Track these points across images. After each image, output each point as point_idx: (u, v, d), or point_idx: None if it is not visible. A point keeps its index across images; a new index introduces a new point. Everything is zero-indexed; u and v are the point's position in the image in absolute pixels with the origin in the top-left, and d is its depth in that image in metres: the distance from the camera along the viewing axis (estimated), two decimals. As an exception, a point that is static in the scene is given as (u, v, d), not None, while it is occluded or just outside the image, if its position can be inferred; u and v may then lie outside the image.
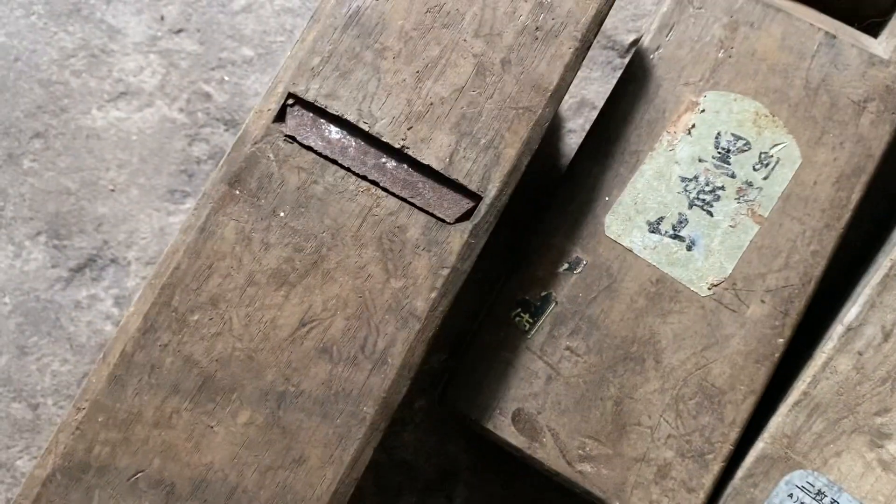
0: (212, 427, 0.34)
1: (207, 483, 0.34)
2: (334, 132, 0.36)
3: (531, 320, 0.41)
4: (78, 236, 0.50)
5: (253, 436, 0.34)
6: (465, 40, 0.36)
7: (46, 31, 0.51)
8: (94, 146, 0.50)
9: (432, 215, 0.36)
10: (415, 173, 0.36)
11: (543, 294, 0.41)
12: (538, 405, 0.40)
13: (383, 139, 0.36)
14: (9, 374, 0.49)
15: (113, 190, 0.50)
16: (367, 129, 0.36)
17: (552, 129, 0.50)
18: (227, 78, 0.51)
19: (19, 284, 0.49)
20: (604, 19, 0.37)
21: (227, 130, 0.50)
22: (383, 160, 0.36)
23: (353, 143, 0.36)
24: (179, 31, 0.51)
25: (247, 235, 0.35)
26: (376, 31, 0.36)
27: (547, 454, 0.40)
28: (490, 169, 0.36)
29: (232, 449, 0.34)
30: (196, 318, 0.34)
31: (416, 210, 0.36)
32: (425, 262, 0.36)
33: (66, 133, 0.50)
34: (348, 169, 0.36)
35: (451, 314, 0.38)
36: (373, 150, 0.36)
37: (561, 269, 0.41)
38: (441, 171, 0.36)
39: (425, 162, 0.36)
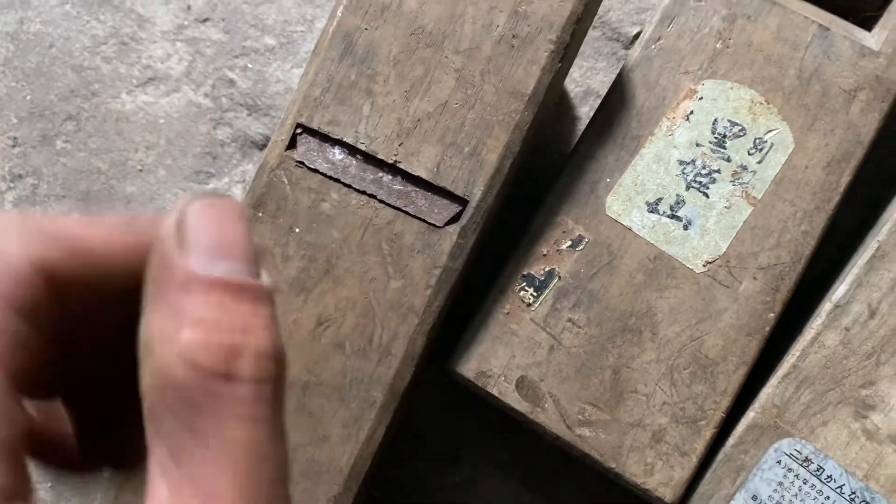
0: None
1: None
2: (337, 154, 0.40)
3: (535, 294, 0.43)
4: (108, 214, 0.52)
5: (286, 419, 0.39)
6: (446, 57, 0.39)
7: (80, 19, 0.54)
8: (124, 129, 0.53)
9: (424, 221, 0.39)
10: (407, 184, 0.40)
11: (547, 270, 0.43)
12: (541, 373, 0.42)
13: (378, 156, 0.39)
14: (42, 342, 0.51)
15: (141, 170, 0.53)
16: (364, 149, 0.39)
17: (561, 117, 0.52)
18: (250, 65, 0.53)
19: (52, 258, 0.52)
20: (582, 18, 0.39)
21: (249, 115, 0.53)
22: (380, 175, 0.40)
23: (353, 162, 0.40)
24: (205, 20, 0.54)
25: (270, 250, 0.39)
26: (368, 59, 0.40)
27: (548, 419, 0.42)
28: (474, 174, 0.39)
29: None
30: None
31: (410, 217, 0.39)
32: (420, 263, 0.39)
33: (97, 116, 0.53)
34: (350, 186, 0.40)
35: (462, 291, 0.41)
36: (370, 166, 0.40)
37: (564, 247, 0.43)
38: (430, 181, 0.39)
39: (416, 173, 0.39)
